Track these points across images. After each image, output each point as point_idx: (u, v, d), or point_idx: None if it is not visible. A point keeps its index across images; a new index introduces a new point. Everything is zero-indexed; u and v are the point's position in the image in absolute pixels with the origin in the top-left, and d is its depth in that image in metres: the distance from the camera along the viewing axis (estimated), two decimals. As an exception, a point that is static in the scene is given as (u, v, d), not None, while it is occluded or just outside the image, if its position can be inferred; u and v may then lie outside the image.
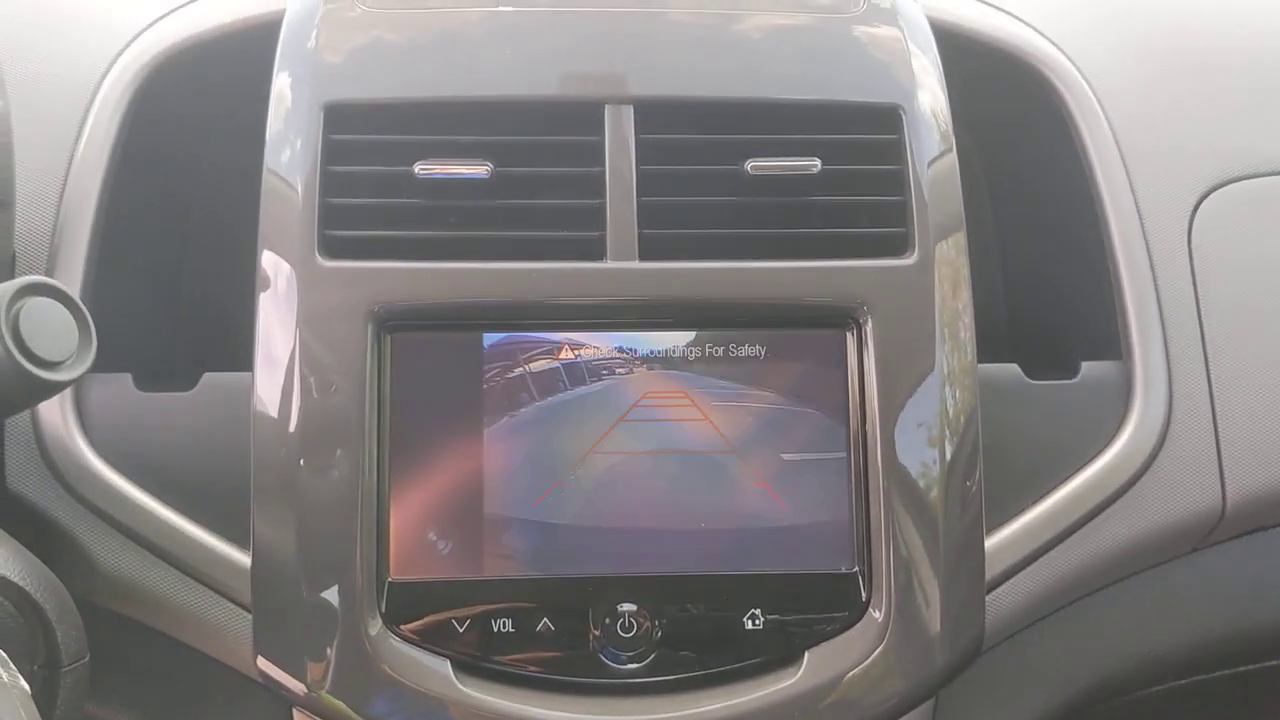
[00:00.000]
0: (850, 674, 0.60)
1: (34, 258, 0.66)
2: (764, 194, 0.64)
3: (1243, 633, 0.76)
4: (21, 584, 0.52)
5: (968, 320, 0.64)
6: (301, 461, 0.59)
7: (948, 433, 0.62)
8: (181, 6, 0.75)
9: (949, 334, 0.63)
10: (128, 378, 0.66)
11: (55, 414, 0.63)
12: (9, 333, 0.47)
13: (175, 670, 0.67)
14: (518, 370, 0.62)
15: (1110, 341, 0.71)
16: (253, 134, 0.65)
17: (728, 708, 0.60)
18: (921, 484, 0.61)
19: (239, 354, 0.64)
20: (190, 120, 0.77)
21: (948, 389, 0.62)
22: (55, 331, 0.49)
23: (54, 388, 0.50)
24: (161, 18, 0.75)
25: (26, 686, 0.48)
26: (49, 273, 0.66)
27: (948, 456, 0.62)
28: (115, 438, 0.64)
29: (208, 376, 0.65)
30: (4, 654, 0.48)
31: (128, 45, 0.73)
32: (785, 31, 0.67)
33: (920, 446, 0.62)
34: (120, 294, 0.69)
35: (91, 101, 0.70)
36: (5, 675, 0.47)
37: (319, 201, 0.61)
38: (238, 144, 0.71)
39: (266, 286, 0.61)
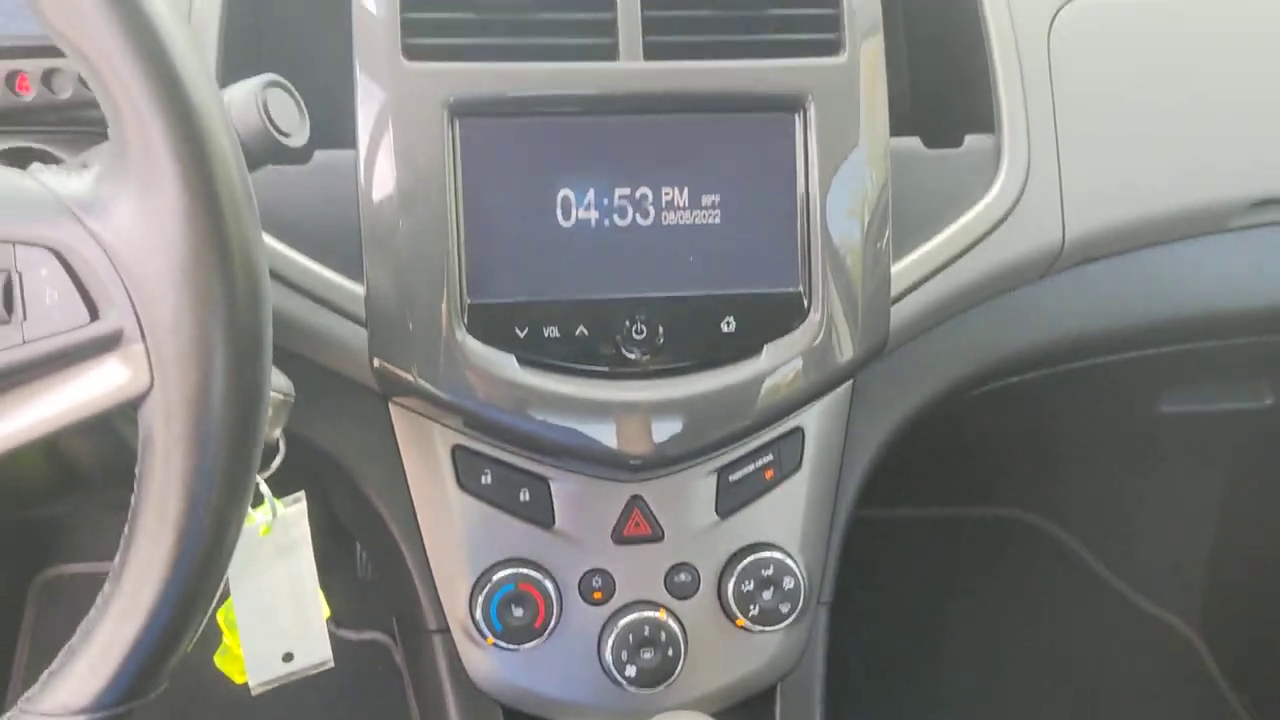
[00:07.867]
0: (795, 359, 0.84)
1: None
2: (738, 9, 0.83)
3: (1073, 339, 1.03)
4: None
5: (883, 112, 0.84)
6: (400, 222, 0.79)
7: (868, 194, 0.84)
8: None
9: (869, 120, 0.84)
10: None
11: None
12: (263, 110, 0.67)
13: (298, 380, 0.88)
14: (554, 146, 0.82)
15: (987, 120, 0.94)
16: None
17: (711, 384, 0.83)
18: (848, 231, 0.84)
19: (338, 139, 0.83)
20: None
21: (867, 165, 0.84)
22: (288, 112, 0.69)
23: (290, 152, 0.69)
24: None
25: None
26: None
27: (867, 214, 0.84)
28: None
29: (319, 154, 0.84)
30: None
31: None
32: None
33: (847, 204, 0.84)
34: None
35: None
36: None
37: (400, 16, 0.79)
38: None
39: (362, 83, 0.79)
